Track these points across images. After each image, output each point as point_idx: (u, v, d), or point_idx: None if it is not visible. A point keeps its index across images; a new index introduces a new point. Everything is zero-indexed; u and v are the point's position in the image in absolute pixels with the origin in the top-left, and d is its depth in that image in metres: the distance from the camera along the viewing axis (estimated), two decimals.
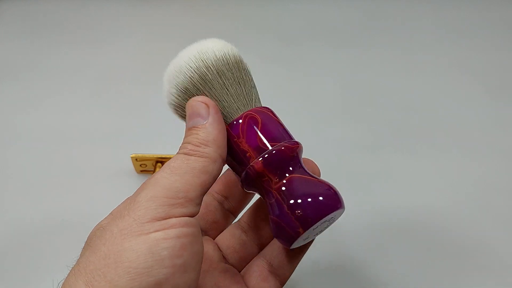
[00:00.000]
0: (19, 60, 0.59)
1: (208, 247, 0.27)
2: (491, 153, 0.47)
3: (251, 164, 0.23)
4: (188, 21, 0.67)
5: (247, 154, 0.24)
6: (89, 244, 0.20)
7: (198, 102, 0.23)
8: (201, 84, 0.25)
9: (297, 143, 0.25)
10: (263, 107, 0.26)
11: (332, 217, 0.24)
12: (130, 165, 0.44)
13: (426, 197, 0.43)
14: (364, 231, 0.40)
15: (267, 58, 0.59)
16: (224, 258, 0.27)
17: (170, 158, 0.42)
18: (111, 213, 0.22)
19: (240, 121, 0.24)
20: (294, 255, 0.27)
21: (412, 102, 0.53)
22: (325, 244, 0.38)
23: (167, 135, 0.48)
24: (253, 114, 0.25)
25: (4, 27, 0.65)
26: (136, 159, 0.43)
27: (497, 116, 0.51)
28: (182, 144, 0.23)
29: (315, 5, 0.71)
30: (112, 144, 0.47)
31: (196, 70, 0.25)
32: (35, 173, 0.45)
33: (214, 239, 0.28)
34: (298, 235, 0.23)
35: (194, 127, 0.23)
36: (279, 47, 0.61)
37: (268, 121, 0.25)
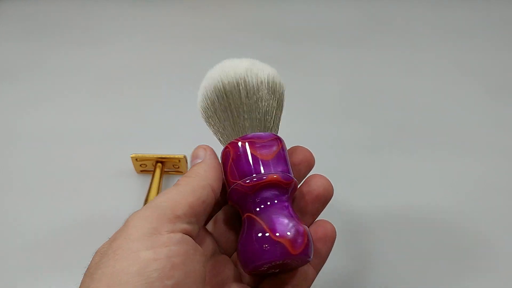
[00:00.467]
0: (19, 60, 0.59)
1: (226, 266, 0.27)
2: (491, 153, 0.47)
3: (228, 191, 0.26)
4: (188, 21, 0.67)
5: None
6: (89, 269, 0.20)
7: (197, 148, 0.26)
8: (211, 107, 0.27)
9: (260, 179, 0.24)
10: (247, 137, 0.26)
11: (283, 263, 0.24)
12: (130, 165, 0.44)
13: (426, 197, 0.43)
14: (364, 231, 0.40)
15: (267, 58, 0.59)
16: (241, 276, 0.27)
17: (170, 158, 0.42)
18: (109, 238, 0.22)
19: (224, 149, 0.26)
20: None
21: (412, 102, 0.53)
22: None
23: (167, 135, 0.48)
24: (228, 148, 0.26)
25: (4, 27, 0.65)
26: (136, 159, 0.43)
27: (497, 116, 0.51)
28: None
29: (315, 5, 0.70)
30: (112, 144, 0.47)
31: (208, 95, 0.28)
32: (35, 173, 0.45)
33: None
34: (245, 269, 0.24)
35: (192, 165, 0.25)
36: (279, 47, 0.61)
37: (241, 155, 0.25)
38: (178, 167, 0.43)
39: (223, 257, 0.27)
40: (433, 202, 0.42)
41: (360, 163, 0.46)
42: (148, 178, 0.43)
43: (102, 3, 0.70)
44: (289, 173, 0.25)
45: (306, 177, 0.28)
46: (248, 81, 0.27)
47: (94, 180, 0.44)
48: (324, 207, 0.28)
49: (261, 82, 0.27)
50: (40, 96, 0.54)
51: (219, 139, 0.28)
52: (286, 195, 0.25)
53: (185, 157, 0.43)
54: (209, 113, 0.27)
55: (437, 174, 0.45)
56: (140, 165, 0.43)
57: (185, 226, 0.21)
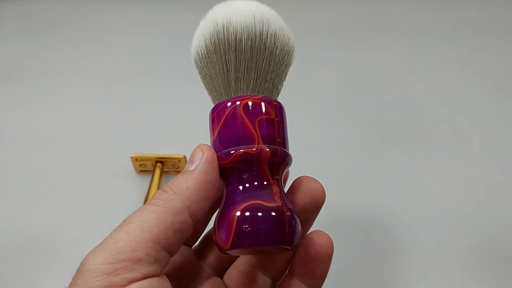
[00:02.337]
0: (19, 60, 0.59)
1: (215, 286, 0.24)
2: (492, 152, 0.47)
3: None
4: (188, 21, 0.67)
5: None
6: None
7: (198, 148, 0.21)
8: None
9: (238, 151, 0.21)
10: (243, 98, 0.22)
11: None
12: (130, 165, 0.44)
13: (426, 197, 0.43)
14: (364, 231, 0.40)
15: None
16: None
17: (170, 158, 0.42)
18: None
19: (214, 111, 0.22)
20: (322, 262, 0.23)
21: (412, 102, 0.53)
22: None
23: (167, 135, 0.48)
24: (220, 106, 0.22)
25: (4, 27, 0.65)
26: (136, 159, 0.43)
27: (498, 115, 0.51)
28: None
29: (315, 4, 0.70)
30: (111, 144, 0.47)
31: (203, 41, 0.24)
32: (34, 173, 0.45)
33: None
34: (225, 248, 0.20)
35: (182, 171, 0.21)
36: None
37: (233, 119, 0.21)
38: (178, 167, 0.43)
39: (214, 280, 0.25)
40: (433, 201, 0.42)
41: (360, 163, 0.46)
42: (148, 178, 0.43)
43: (102, 3, 0.70)
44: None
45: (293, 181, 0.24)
46: (256, 32, 0.22)
47: (94, 180, 0.44)
48: (316, 216, 0.24)
49: (272, 35, 0.23)
50: (39, 96, 0.54)
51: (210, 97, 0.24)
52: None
53: (185, 157, 0.43)
54: (200, 63, 0.24)
55: (437, 174, 0.45)
56: (140, 165, 0.43)
57: (148, 269, 0.17)
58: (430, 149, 0.47)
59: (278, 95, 0.24)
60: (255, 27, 0.22)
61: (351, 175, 0.45)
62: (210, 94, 0.24)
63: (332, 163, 0.45)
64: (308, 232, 0.23)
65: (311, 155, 0.44)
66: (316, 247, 0.22)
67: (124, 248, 0.17)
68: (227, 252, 0.21)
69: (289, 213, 0.20)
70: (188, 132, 0.43)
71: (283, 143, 0.22)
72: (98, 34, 0.64)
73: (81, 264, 0.18)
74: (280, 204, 0.20)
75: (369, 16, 0.68)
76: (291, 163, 0.23)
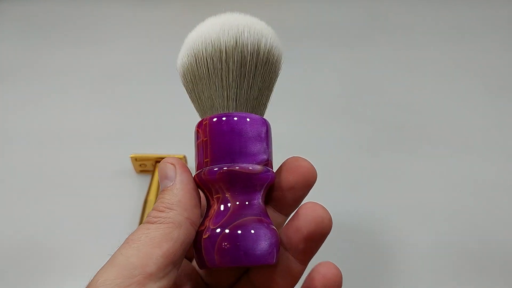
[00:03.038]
0: (19, 60, 0.59)
1: None
2: (492, 152, 0.47)
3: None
4: (188, 21, 0.67)
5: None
6: None
7: (165, 164, 0.21)
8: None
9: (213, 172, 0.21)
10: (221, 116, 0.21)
11: None
12: (129, 165, 0.44)
13: (426, 196, 0.43)
14: (364, 231, 0.40)
15: None
16: None
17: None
18: None
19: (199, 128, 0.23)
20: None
21: (413, 102, 0.53)
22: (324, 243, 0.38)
23: (167, 135, 0.48)
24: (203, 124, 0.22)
25: (4, 27, 0.65)
26: (136, 159, 0.43)
27: (498, 115, 0.51)
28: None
29: (315, 4, 0.70)
30: (111, 144, 0.47)
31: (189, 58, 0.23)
32: (34, 173, 0.45)
33: None
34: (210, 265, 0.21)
35: (162, 190, 0.21)
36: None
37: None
38: None
39: None
40: (433, 201, 0.42)
41: (360, 163, 0.46)
42: (147, 178, 0.43)
43: (102, 3, 0.70)
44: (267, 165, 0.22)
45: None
46: (239, 47, 0.21)
47: (94, 180, 0.44)
48: (321, 244, 0.23)
49: (256, 50, 0.22)
50: (39, 96, 0.54)
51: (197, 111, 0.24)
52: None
53: (185, 157, 0.43)
54: (187, 77, 0.23)
55: (437, 173, 0.45)
56: (140, 165, 0.43)
57: (160, 283, 0.18)
58: (429, 149, 0.47)
59: (265, 110, 0.25)
60: (243, 43, 0.22)
61: (350, 175, 0.45)
62: (197, 108, 0.24)
63: (332, 163, 0.45)
64: (317, 264, 0.23)
65: (311, 155, 0.44)
66: (323, 281, 0.22)
67: (136, 264, 0.18)
68: (212, 268, 0.21)
69: (271, 227, 0.21)
70: (188, 132, 0.43)
71: (267, 161, 0.22)
72: (98, 34, 0.64)
73: (92, 280, 0.18)
74: (266, 222, 0.21)
75: (369, 16, 0.68)
76: (272, 181, 0.22)
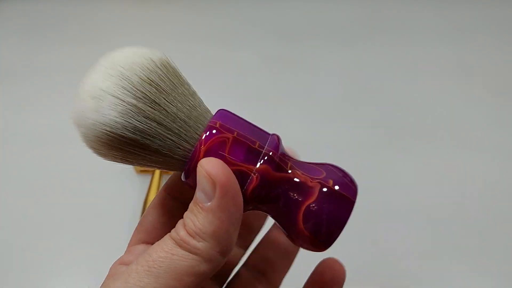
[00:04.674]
0: (19, 60, 0.59)
1: None
2: (492, 152, 0.47)
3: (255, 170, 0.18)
4: (188, 21, 0.67)
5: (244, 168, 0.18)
6: None
7: (203, 173, 0.17)
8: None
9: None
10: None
11: None
12: (129, 165, 0.44)
13: (426, 196, 0.43)
14: (364, 231, 0.40)
15: (267, 57, 0.59)
16: None
17: None
18: None
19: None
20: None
21: (413, 102, 0.53)
22: None
23: None
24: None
25: (4, 27, 0.65)
26: None
27: (498, 115, 0.51)
28: (181, 220, 0.18)
29: (315, 4, 0.70)
30: None
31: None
32: (34, 173, 0.45)
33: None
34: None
35: (196, 203, 0.17)
36: (279, 46, 0.61)
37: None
38: None
39: None
40: (433, 201, 0.42)
41: (360, 162, 0.46)
42: (147, 178, 0.43)
43: (102, 3, 0.70)
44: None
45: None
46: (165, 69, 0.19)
47: (94, 180, 0.44)
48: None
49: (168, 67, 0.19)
50: (39, 95, 0.54)
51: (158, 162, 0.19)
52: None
53: None
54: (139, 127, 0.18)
55: (437, 173, 0.45)
56: None
57: None
58: (429, 148, 0.47)
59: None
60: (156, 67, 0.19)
61: (350, 174, 0.44)
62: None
63: (332, 162, 0.45)
64: (323, 260, 0.24)
65: (310, 155, 0.44)
66: (332, 272, 0.23)
67: None
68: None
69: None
70: None
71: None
72: (97, 33, 0.64)
73: None
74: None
75: (369, 16, 0.68)
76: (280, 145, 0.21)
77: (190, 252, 0.17)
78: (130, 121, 0.17)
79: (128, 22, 0.67)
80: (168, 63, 0.20)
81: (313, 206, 0.19)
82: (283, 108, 0.51)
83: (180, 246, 0.17)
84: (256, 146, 0.19)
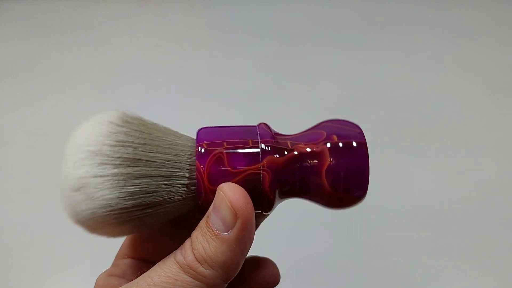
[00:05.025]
0: (19, 59, 0.59)
1: None
2: (492, 152, 0.47)
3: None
4: (188, 21, 0.67)
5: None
6: None
7: (226, 203, 0.16)
8: None
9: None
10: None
11: None
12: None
13: (427, 196, 0.43)
14: (364, 231, 0.40)
15: (267, 57, 0.59)
16: None
17: None
18: None
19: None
20: None
21: (413, 102, 0.53)
22: (323, 244, 0.38)
23: None
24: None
25: (4, 27, 0.65)
26: None
27: (498, 115, 0.51)
28: (189, 239, 0.17)
29: (315, 5, 0.70)
30: None
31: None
32: (34, 173, 0.45)
33: None
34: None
35: (210, 229, 0.17)
36: (279, 46, 0.61)
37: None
38: None
39: None
40: (434, 201, 0.42)
41: None
42: None
43: (102, 3, 0.70)
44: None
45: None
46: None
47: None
48: None
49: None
50: (39, 95, 0.54)
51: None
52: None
53: None
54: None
55: (437, 173, 0.45)
56: None
57: None
58: (430, 148, 0.47)
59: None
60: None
61: None
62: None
63: None
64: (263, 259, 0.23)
65: None
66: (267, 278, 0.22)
67: None
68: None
69: None
70: (188, 131, 0.43)
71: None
72: (97, 33, 0.64)
73: None
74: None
75: (369, 16, 0.68)
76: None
77: (195, 279, 0.16)
78: (124, 190, 0.17)
79: (128, 22, 0.67)
80: (127, 116, 0.19)
81: (331, 168, 0.19)
82: (283, 108, 0.51)
83: (186, 272, 0.16)
84: (250, 145, 0.18)
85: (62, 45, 0.62)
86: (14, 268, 0.37)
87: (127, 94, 0.54)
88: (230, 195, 0.16)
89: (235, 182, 0.17)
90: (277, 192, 0.18)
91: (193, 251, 0.16)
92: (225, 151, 0.18)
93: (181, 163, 0.18)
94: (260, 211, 0.18)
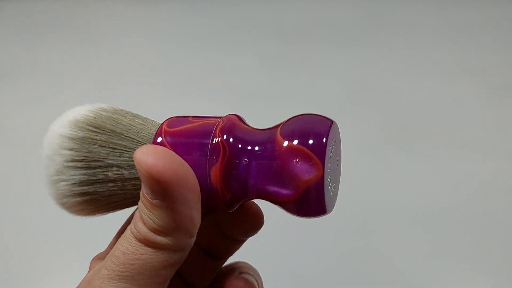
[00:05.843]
0: (19, 59, 0.59)
1: None
2: (492, 152, 0.47)
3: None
4: (188, 21, 0.67)
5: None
6: None
7: (142, 172, 0.15)
8: None
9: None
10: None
11: (334, 139, 0.18)
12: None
13: (427, 196, 0.43)
14: (364, 231, 0.40)
15: (267, 57, 0.59)
16: None
17: None
18: None
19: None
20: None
21: (414, 102, 0.53)
22: (324, 244, 0.38)
23: None
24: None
25: (4, 27, 0.65)
26: None
27: (499, 116, 0.51)
28: (137, 212, 0.16)
29: (315, 5, 0.70)
30: None
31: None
32: (34, 173, 0.45)
33: None
34: (319, 180, 0.16)
35: (146, 197, 0.16)
36: (279, 46, 0.61)
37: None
38: None
39: None
40: (434, 201, 0.42)
41: (361, 162, 0.46)
42: None
43: (102, 3, 0.70)
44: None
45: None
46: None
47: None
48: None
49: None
50: (39, 95, 0.54)
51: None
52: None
53: None
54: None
55: (438, 173, 0.45)
56: None
57: None
58: (430, 148, 0.47)
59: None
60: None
61: (351, 174, 0.44)
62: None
63: None
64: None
65: None
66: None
67: None
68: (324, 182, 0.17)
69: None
70: None
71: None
72: (97, 33, 0.64)
73: None
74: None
75: (370, 16, 0.68)
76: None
77: (159, 249, 0.16)
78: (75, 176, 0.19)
79: (128, 22, 0.67)
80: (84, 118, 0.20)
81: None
82: (284, 109, 0.51)
83: (146, 245, 0.16)
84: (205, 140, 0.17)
85: (62, 45, 0.62)
86: (13, 268, 0.37)
87: (128, 94, 0.54)
88: (141, 162, 0.15)
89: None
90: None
91: (145, 225, 0.16)
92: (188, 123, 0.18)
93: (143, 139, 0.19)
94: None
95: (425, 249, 0.39)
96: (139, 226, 0.16)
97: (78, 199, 0.19)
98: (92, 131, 0.19)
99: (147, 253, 0.15)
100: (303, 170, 0.16)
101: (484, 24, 0.66)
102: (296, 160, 0.16)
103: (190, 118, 0.19)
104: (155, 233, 0.16)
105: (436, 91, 0.55)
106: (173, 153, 0.16)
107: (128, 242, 0.16)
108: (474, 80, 0.56)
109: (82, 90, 0.54)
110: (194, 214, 0.16)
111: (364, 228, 0.40)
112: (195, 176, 0.16)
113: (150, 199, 0.16)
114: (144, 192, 0.16)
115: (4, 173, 0.45)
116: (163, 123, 0.19)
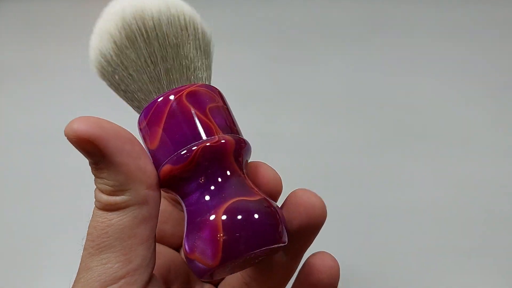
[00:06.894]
0: (19, 60, 0.59)
1: None
2: (492, 153, 0.47)
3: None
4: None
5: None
6: None
7: (74, 144, 0.16)
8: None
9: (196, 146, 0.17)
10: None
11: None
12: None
13: (427, 197, 0.43)
14: (364, 231, 0.40)
15: (267, 57, 0.59)
16: None
17: None
18: None
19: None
20: None
21: (414, 102, 0.53)
22: (324, 244, 0.38)
23: None
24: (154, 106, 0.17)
25: (4, 27, 0.65)
26: None
27: (499, 116, 0.51)
28: (95, 189, 0.17)
29: (315, 5, 0.70)
30: None
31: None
32: (34, 173, 0.45)
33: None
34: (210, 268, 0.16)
35: (90, 164, 0.16)
36: (279, 46, 0.61)
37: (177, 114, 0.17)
38: None
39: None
40: (434, 202, 0.42)
41: (361, 163, 0.46)
42: None
43: (102, 3, 0.70)
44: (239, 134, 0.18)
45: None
46: (174, 16, 0.19)
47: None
48: (314, 237, 0.20)
49: (190, 19, 0.19)
50: (40, 95, 0.54)
51: (133, 103, 0.20)
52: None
53: None
54: (110, 67, 0.19)
55: (438, 174, 0.45)
56: None
57: (147, 273, 0.16)
58: (431, 148, 0.47)
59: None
60: (171, 12, 0.19)
61: (351, 174, 0.45)
62: (133, 98, 0.20)
63: (332, 162, 0.45)
64: (311, 255, 0.20)
65: (310, 155, 0.44)
66: (318, 275, 0.19)
67: (119, 272, 0.15)
68: (214, 272, 0.16)
69: (274, 205, 0.17)
70: None
71: (238, 130, 0.19)
72: None
73: None
74: (262, 197, 0.17)
75: (370, 16, 0.68)
76: (250, 153, 0.19)
77: (122, 208, 0.16)
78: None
79: None
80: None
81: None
82: (284, 109, 0.51)
83: (110, 211, 0.16)
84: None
85: (62, 45, 0.62)
86: (14, 268, 0.37)
87: None
88: (68, 131, 0.16)
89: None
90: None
91: (102, 193, 0.16)
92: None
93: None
94: None
95: (425, 249, 0.39)
96: (97, 196, 0.16)
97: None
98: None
99: (114, 217, 0.16)
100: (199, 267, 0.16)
101: (484, 24, 0.66)
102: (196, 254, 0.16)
103: (197, 112, 0.18)
104: (112, 195, 0.16)
105: (436, 91, 0.55)
106: (99, 117, 0.16)
107: (95, 216, 0.16)
108: (474, 80, 0.56)
109: (82, 90, 0.54)
110: (141, 163, 0.16)
111: (364, 228, 0.40)
112: (127, 130, 0.16)
113: (94, 166, 0.16)
114: (89, 163, 0.16)
115: (4, 173, 0.45)
116: (186, 90, 0.18)
